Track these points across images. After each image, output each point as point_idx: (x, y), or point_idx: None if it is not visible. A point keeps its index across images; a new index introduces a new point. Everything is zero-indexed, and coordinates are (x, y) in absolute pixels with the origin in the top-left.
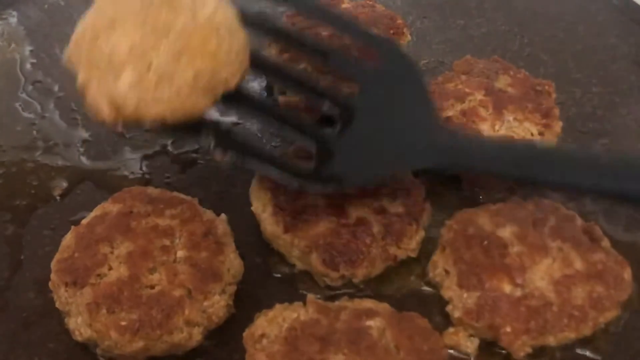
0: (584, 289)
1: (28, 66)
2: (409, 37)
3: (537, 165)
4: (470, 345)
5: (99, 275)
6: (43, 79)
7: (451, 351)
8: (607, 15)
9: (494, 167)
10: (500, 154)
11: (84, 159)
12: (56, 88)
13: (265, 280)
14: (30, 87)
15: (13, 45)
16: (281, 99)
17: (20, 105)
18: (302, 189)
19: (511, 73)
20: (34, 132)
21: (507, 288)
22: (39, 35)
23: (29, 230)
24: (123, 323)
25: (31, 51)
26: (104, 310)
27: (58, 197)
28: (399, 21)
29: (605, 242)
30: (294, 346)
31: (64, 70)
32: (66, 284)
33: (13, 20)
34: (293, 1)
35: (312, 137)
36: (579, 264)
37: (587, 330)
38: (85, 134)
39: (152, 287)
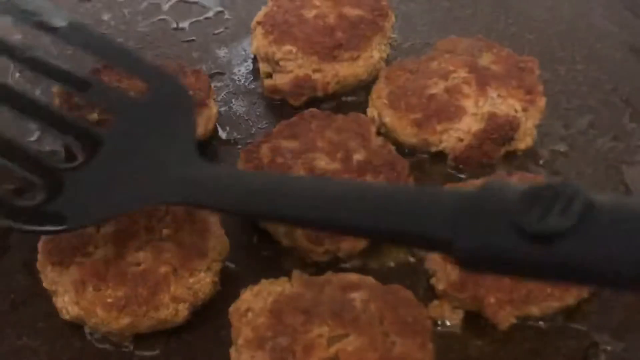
0: None
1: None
2: (393, 19)
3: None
4: (455, 317)
5: (85, 254)
6: None
7: (438, 326)
8: None
9: (236, 205)
10: (245, 190)
11: None
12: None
13: (251, 258)
14: (17, 75)
15: None
16: (267, 82)
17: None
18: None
19: (495, 51)
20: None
21: None
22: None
23: None
24: (109, 300)
25: (19, 40)
26: (90, 288)
27: None
28: (384, 2)
29: None
30: (278, 319)
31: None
32: (53, 264)
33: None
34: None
35: (37, 170)
36: None
37: (570, 300)
38: None
39: (138, 264)
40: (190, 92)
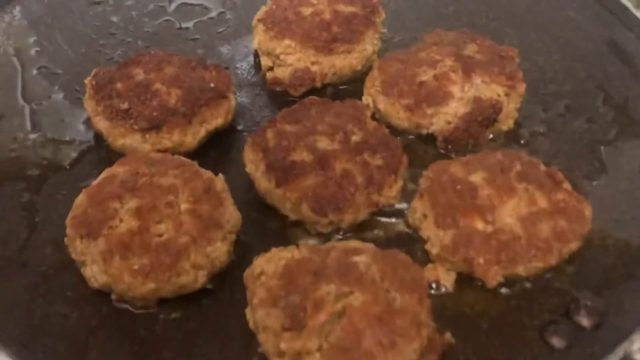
0: (548, 223)
1: (33, 53)
2: (384, 15)
3: None
4: (449, 279)
5: (110, 227)
6: (47, 64)
7: (433, 287)
8: None
9: None
10: None
11: (89, 134)
12: (60, 71)
13: (261, 231)
14: (35, 72)
15: (15, 37)
16: (268, 74)
17: (25, 89)
18: None
19: (478, 42)
20: (43, 110)
21: (479, 225)
22: (41, 26)
23: (43, 196)
24: (135, 267)
25: (35, 41)
26: (117, 257)
27: (68, 166)
28: (374, 1)
29: (567, 184)
30: (290, 279)
31: (67, 56)
32: (81, 237)
33: (17, 14)
34: None
35: None
36: (543, 202)
37: (553, 260)
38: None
39: (160, 235)
40: (212, 85)
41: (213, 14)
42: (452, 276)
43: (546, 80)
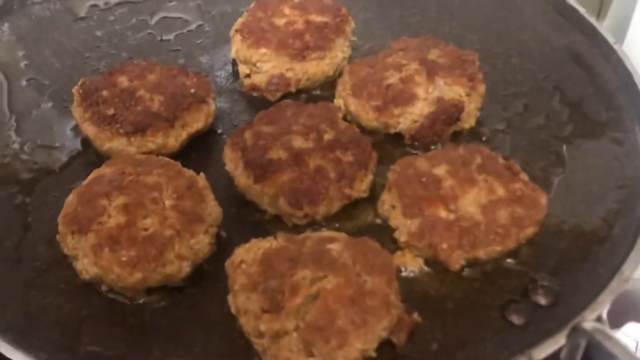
0: (507, 210)
1: (22, 66)
2: (353, 25)
3: None
4: (416, 264)
5: (100, 223)
6: (35, 75)
7: (402, 272)
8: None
9: None
10: None
11: (77, 140)
12: (48, 82)
13: (240, 225)
14: (24, 83)
15: (4, 52)
16: (246, 81)
17: (14, 100)
18: None
19: (441, 47)
20: (33, 119)
21: (442, 213)
22: (29, 41)
23: (35, 198)
24: (124, 259)
25: (23, 54)
26: (106, 250)
27: (58, 170)
28: (344, 11)
29: (524, 175)
30: (268, 266)
31: (54, 68)
32: (72, 232)
33: (6, 30)
34: None
35: None
36: (501, 192)
37: (511, 244)
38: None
39: (146, 229)
40: (193, 91)
41: (192, 26)
42: (419, 262)
43: (505, 81)
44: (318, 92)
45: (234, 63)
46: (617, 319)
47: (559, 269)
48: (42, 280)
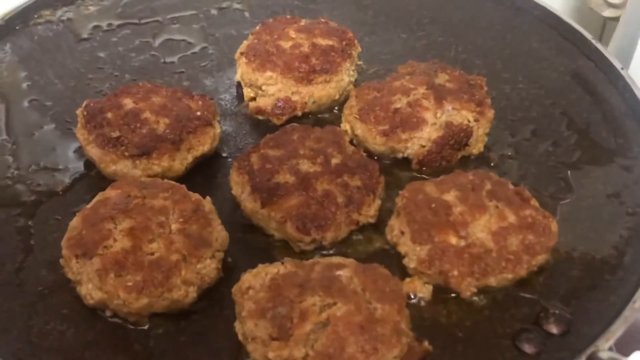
0: (517, 237)
1: (24, 87)
2: (360, 49)
3: None
4: (426, 291)
5: (105, 247)
6: (37, 96)
7: (412, 299)
8: (530, 24)
9: None
10: None
11: (81, 162)
12: (50, 103)
13: (247, 250)
14: (26, 104)
15: (7, 72)
16: (251, 104)
17: (17, 121)
18: None
19: (448, 71)
20: (35, 141)
21: (453, 240)
22: (31, 62)
23: (37, 220)
24: (129, 284)
25: (25, 75)
26: (112, 275)
27: (61, 192)
28: (350, 35)
29: (534, 202)
30: (276, 292)
31: (57, 89)
32: (77, 257)
33: (8, 50)
34: None
35: None
36: (512, 218)
37: (522, 271)
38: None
39: (152, 254)
40: (198, 114)
41: (196, 49)
42: (429, 289)
43: (513, 107)
44: (324, 116)
45: (239, 86)
46: (625, 348)
47: (571, 297)
48: (44, 304)
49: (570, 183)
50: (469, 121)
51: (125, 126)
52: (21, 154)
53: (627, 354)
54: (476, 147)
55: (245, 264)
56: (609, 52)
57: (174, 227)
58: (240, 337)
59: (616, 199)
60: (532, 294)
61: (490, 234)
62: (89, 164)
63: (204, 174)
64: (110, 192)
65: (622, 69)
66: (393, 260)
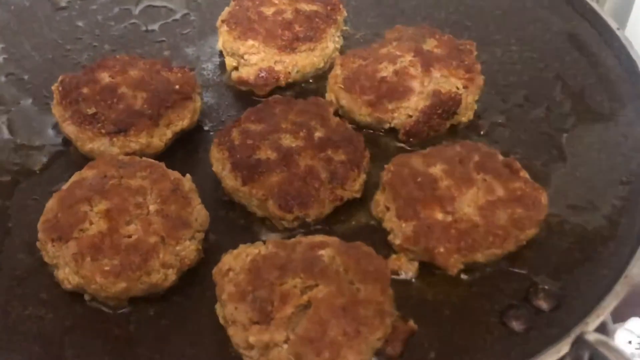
0: (506, 211)
1: (0, 60)
2: (345, 13)
3: None
4: (412, 268)
5: (81, 230)
6: (14, 70)
7: (395, 276)
8: None
9: None
10: None
11: (58, 139)
12: (27, 77)
13: (229, 229)
14: (4, 79)
15: None
16: (234, 74)
17: None
18: None
19: (437, 36)
20: (12, 117)
21: (439, 215)
22: (8, 33)
23: (14, 201)
24: (106, 268)
25: (2, 48)
26: (88, 259)
27: (38, 171)
28: None
29: (524, 173)
30: (256, 275)
31: (34, 62)
32: (52, 240)
33: None
34: None
35: None
36: (500, 191)
37: (510, 247)
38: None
39: (130, 236)
40: (177, 87)
41: (177, 15)
42: (415, 266)
43: (505, 71)
44: (308, 86)
45: (221, 54)
46: (621, 313)
47: (561, 271)
48: (22, 289)
49: (564, 151)
50: (457, 88)
51: (101, 102)
52: None
53: (624, 320)
54: (465, 115)
55: (227, 242)
56: (605, 11)
57: (152, 207)
58: (221, 321)
59: (610, 167)
60: (521, 268)
61: (477, 208)
62: (67, 141)
63: (185, 149)
64: (87, 172)
65: (617, 29)
66: (379, 236)
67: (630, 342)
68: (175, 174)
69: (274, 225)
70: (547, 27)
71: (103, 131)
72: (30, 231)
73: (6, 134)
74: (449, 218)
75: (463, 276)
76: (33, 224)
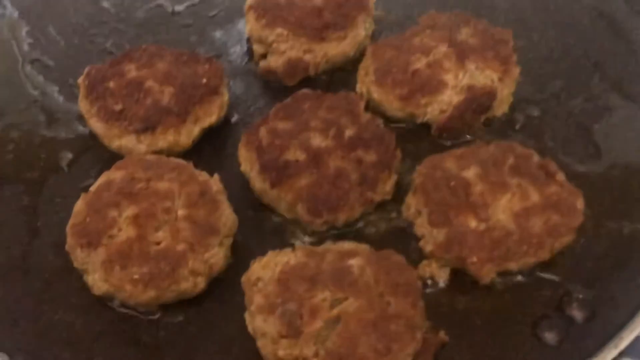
0: (541, 218)
1: (25, 47)
2: None
3: None
4: (443, 275)
5: (110, 236)
6: (40, 57)
7: (428, 283)
8: None
9: None
10: None
11: (85, 130)
12: (53, 64)
13: (258, 231)
14: (29, 67)
15: (7, 28)
16: (261, 64)
17: (22, 84)
18: None
19: (471, 24)
20: (38, 108)
21: (472, 223)
22: (32, 17)
23: (43, 199)
24: (135, 277)
25: (27, 32)
26: (117, 267)
27: (66, 167)
28: None
29: (560, 176)
30: (285, 286)
31: (59, 48)
32: (81, 246)
33: (6, 5)
34: None
35: None
36: (535, 197)
37: (545, 255)
38: None
39: (158, 243)
40: (204, 80)
41: None
42: (447, 272)
43: (541, 59)
44: (338, 74)
45: (249, 40)
46: None
47: (595, 279)
48: (52, 293)
49: (600, 147)
50: (492, 81)
51: (128, 97)
52: (23, 122)
53: None
54: (500, 108)
55: (256, 244)
56: None
57: (180, 213)
58: (250, 330)
59: None
60: (554, 275)
61: (511, 215)
62: (93, 134)
63: (213, 145)
64: (115, 174)
65: None
66: (409, 240)
67: None
68: (203, 175)
69: (303, 227)
70: (586, 10)
71: (130, 129)
72: (59, 232)
73: (33, 127)
74: (482, 226)
75: (495, 283)
76: (61, 224)
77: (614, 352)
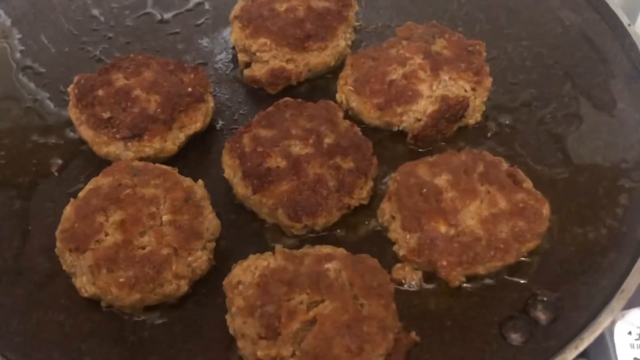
0: (508, 224)
1: (17, 54)
2: (357, 7)
3: None
4: (415, 277)
5: (97, 241)
6: (32, 64)
7: (399, 286)
8: None
9: None
10: None
11: (74, 137)
12: (44, 71)
13: (240, 234)
14: (20, 74)
15: (0, 36)
16: (246, 72)
17: (16, 91)
18: None
19: (447, 36)
20: (30, 114)
21: (442, 228)
22: (24, 24)
23: (33, 203)
24: (121, 280)
25: (19, 39)
26: (104, 270)
27: (56, 173)
28: None
29: (527, 183)
30: (265, 290)
31: (51, 55)
32: (70, 250)
33: (1, 12)
34: None
35: None
36: (503, 204)
37: (511, 259)
38: None
39: (144, 248)
40: (190, 89)
41: (191, 4)
42: (419, 275)
43: (514, 68)
44: (319, 82)
45: (235, 48)
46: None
47: (560, 282)
48: (42, 294)
49: (569, 154)
50: (466, 91)
51: (116, 105)
52: (14, 128)
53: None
54: (473, 117)
55: (238, 248)
56: (616, 4)
57: (165, 218)
58: (231, 331)
59: (614, 173)
60: (521, 278)
61: (480, 221)
62: (82, 141)
63: (198, 150)
64: (102, 180)
65: (629, 25)
66: (384, 244)
67: (630, 333)
68: (187, 181)
69: (283, 232)
70: (559, 20)
71: (118, 136)
72: (48, 235)
73: (25, 133)
74: (452, 231)
75: (465, 285)
76: (51, 228)
77: (575, 353)
